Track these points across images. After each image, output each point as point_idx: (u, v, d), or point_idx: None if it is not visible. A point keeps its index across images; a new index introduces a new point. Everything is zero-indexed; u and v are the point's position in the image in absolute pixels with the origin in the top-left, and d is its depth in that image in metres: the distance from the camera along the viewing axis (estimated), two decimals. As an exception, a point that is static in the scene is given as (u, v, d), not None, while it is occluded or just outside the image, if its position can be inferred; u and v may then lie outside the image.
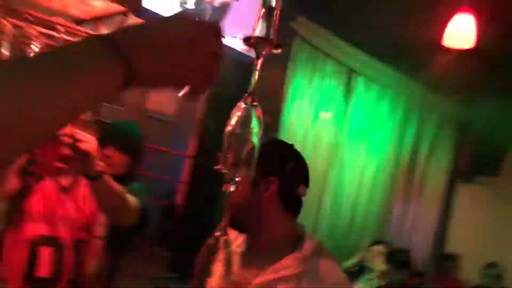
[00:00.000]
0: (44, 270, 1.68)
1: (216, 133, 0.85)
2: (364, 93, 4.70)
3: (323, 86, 4.39)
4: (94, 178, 1.49)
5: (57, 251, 1.72)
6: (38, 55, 0.60)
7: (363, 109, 4.70)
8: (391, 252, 3.65)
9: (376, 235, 4.47)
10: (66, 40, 2.06)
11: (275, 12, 0.77)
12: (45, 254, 1.69)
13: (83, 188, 1.82)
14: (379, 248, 3.91)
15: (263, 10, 0.78)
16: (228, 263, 0.82)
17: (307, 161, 1.33)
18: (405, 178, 5.26)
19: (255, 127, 0.78)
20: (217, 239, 0.78)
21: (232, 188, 0.79)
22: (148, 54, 0.57)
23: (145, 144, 2.17)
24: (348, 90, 4.58)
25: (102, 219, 1.90)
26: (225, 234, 0.80)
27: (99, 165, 1.51)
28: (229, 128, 0.79)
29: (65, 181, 1.79)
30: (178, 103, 4.38)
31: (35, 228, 1.68)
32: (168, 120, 4.33)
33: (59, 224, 1.73)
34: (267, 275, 1.18)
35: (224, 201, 0.81)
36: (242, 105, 0.79)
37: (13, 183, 1.60)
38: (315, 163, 4.27)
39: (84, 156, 1.45)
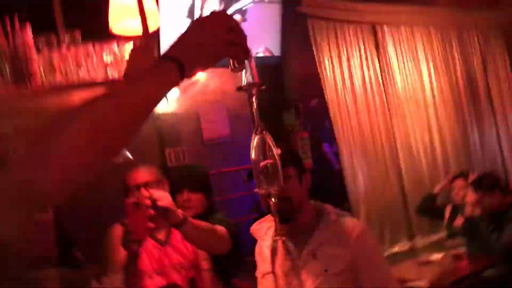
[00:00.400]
0: (174, 313, 1.98)
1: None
2: (395, 42, 4.71)
3: (354, 52, 4.47)
4: (179, 225, 1.75)
5: (178, 294, 2.00)
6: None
7: (399, 57, 4.71)
8: (477, 179, 3.59)
9: (458, 169, 4.45)
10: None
11: (252, 60, 0.97)
12: (170, 301, 1.98)
13: (179, 234, 2.11)
14: (461, 181, 3.86)
15: (245, 61, 0.97)
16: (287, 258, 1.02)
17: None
18: (470, 102, 5.17)
19: (270, 149, 0.98)
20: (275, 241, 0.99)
21: (273, 201, 0.99)
22: (184, 52, 0.85)
23: (209, 176, 2.46)
24: (378, 44, 4.61)
25: (203, 254, 2.18)
26: (282, 235, 1.00)
27: (180, 212, 1.77)
28: (252, 157, 0.99)
29: (160, 235, 2.08)
30: (229, 123, 4.67)
31: (153, 283, 1.98)
32: (225, 141, 4.61)
33: (170, 272, 2.01)
34: (312, 244, 1.66)
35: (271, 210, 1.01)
36: (255, 137, 1.00)
37: (121, 254, 1.90)
38: (376, 123, 4.39)
39: (164, 212, 1.71)
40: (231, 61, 0.95)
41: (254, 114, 1.01)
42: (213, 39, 0.87)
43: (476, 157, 5.04)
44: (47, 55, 1.69)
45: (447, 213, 3.88)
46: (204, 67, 0.89)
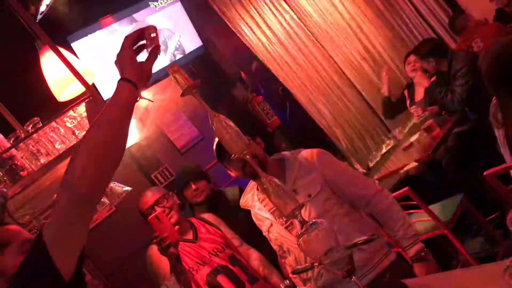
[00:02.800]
0: None
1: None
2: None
3: (264, 9, 4.73)
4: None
5: (226, 272, 2.32)
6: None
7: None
8: (417, 47, 3.84)
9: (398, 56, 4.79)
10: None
11: (179, 68, 1.27)
12: (222, 280, 2.29)
13: (202, 227, 2.44)
14: (411, 56, 3.97)
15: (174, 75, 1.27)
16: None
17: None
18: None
19: (229, 126, 1.28)
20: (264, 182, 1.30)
21: (247, 157, 1.30)
22: (131, 74, 1.21)
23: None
24: None
25: (230, 233, 2.51)
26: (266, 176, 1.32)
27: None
28: (216, 139, 1.30)
29: (188, 236, 2.40)
30: (194, 125, 4.95)
31: (201, 274, 2.29)
32: (198, 142, 4.89)
33: (211, 258, 2.33)
34: (288, 183, 2.00)
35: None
36: (213, 122, 1.30)
37: (164, 264, 2.18)
38: (315, 59, 4.73)
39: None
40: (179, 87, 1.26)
41: (204, 107, 1.30)
42: (131, 53, 1.22)
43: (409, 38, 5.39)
44: (23, 147, 1.96)
45: (407, 98, 4.25)
46: (147, 80, 1.24)
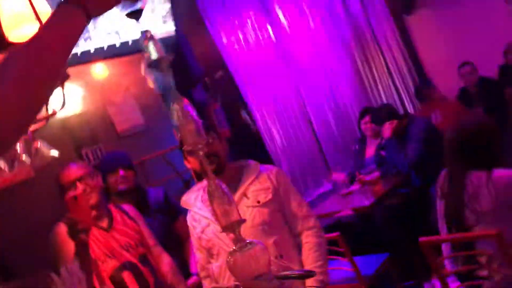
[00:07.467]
0: None
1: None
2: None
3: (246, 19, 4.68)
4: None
5: (133, 270, 2.14)
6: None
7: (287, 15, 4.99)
8: (375, 113, 4.02)
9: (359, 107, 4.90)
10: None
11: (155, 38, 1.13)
12: (127, 277, 2.12)
13: (120, 218, 2.24)
14: (366, 118, 4.19)
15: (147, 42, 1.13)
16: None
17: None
18: (359, 46, 5.62)
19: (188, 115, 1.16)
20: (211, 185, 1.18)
21: (200, 153, 1.18)
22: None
23: None
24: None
25: (148, 232, 2.34)
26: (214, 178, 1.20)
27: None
28: (175, 123, 1.17)
29: (103, 223, 2.20)
30: (141, 113, 4.74)
31: (107, 266, 2.11)
32: (139, 131, 4.70)
33: (121, 252, 2.15)
34: (242, 187, 2.05)
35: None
36: (175, 106, 1.16)
37: (69, 248, 2.00)
38: (282, 82, 4.70)
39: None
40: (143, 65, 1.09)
41: (170, 87, 1.17)
42: None
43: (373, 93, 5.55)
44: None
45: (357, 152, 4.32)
46: (107, 7, 0.93)
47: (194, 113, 1.18)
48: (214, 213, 1.23)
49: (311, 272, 1.21)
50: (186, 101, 1.17)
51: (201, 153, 1.19)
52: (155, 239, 2.37)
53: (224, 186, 1.19)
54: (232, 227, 1.16)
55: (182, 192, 4.38)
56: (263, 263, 1.15)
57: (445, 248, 2.25)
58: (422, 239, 2.16)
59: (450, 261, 2.18)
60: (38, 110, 0.87)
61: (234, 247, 1.15)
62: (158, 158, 4.42)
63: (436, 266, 2.18)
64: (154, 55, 1.12)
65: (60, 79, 0.86)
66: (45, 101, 0.84)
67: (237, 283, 1.18)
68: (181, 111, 1.17)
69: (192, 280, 2.54)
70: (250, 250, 1.14)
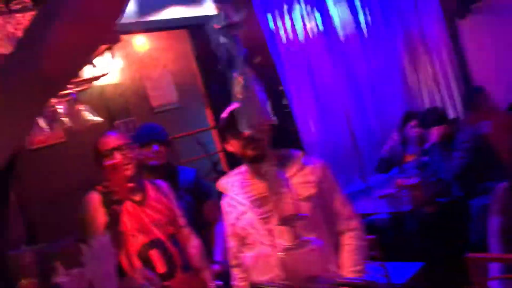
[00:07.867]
0: (160, 267, 2.04)
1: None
2: None
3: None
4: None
5: (161, 249, 2.07)
6: None
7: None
8: (423, 116, 3.83)
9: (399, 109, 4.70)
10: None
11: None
12: (155, 255, 2.05)
13: (153, 194, 2.16)
14: (413, 122, 4.02)
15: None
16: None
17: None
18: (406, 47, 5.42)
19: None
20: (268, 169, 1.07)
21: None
22: None
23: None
24: None
25: (179, 211, 2.25)
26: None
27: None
28: (239, 96, 1.05)
29: (137, 197, 2.12)
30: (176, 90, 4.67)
31: (136, 241, 2.03)
32: (173, 108, 4.63)
33: (151, 229, 2.07)
34: None
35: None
36: (238, 77, 1.05)
37: (100, 218, 1.93)
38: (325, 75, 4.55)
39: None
40: None
41: (237, 56, 1.05)
42: None
43: (416, 96, 5.35)
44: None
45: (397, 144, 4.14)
46: None
47: (261, 91, 1.06)
48: (273, 204, 1.12)
49: (373, 283, 1.09)
50: (253, 75, 1.06)
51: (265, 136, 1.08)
52: (185, 220, 2.28)
53: (277, 171, 1.08)
54: (290, 221, 1.05)
55: (209, 173, 4.39)
56: (318, 265, 1.04)
57: (492, 268, 2.09)
58: (470, 255, 2.01)
59: (499, 282, 2.03)
60: (93, 50, 0.76)
61: (288, 244, 1.04)
62: (187, 138, 4.35)
63: (480, 286, 2.03)
64: (225, 19, 1.01)
65: (112, 41, 0.74)
66: (102, 43, 0.74)
67: (286, 282, 1.07)
68: (246, 85, 1.05)
69: (215, 268, 2.43)
70: (306, 249, 1.03)
